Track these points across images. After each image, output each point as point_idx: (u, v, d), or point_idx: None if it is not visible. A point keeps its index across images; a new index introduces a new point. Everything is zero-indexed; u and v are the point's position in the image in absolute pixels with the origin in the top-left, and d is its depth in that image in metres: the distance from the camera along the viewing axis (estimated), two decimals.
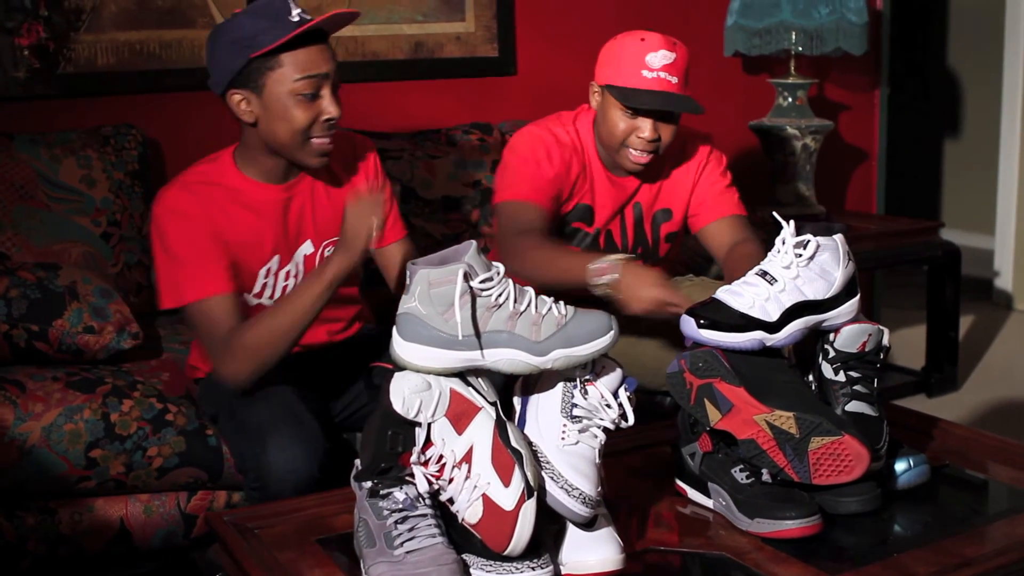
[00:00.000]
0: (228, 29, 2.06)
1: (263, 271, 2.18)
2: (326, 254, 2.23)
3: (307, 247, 2.22)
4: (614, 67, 2.33)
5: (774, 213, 2.01)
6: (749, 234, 2.42)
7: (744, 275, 1.84)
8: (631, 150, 2.34)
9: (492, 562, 1.53)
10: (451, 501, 1.56)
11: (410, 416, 1.56)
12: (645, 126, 2.31)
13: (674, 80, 2.28)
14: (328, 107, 2.07)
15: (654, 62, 2.27)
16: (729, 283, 1.86)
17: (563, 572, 1.58)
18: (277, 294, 2.20)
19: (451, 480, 1.55)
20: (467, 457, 1.55)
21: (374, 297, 2.48)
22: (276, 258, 2.19)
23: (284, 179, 2.18)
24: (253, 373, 2.05)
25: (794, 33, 3.67)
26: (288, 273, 2.21)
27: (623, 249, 2.50)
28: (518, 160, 2.39)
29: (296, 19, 2.02)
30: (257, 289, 2.20)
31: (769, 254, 1.84)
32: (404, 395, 1.56)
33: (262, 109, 2.07)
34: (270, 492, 2.00)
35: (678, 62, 2.29)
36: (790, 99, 3.79)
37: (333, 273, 2.03)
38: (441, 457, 1.56)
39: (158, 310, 2.16)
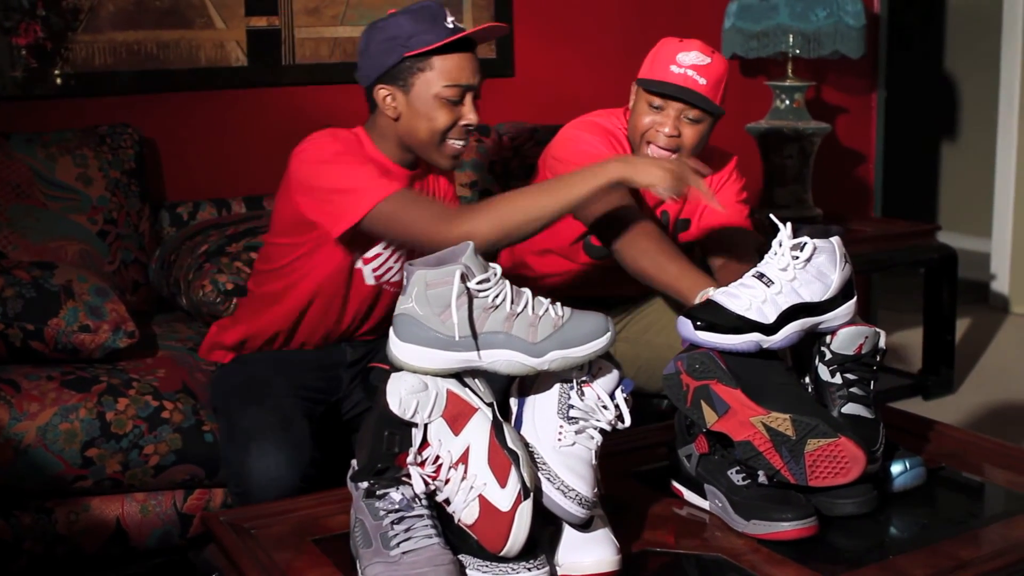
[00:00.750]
0: (387, 26, 2.11)
1: (383, 243, 2.19)
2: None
3: None
4: (649, 62, 2.39)
5: (771, 215, 2.01)
6: (748, 250, 2.41)
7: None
8: (652, 146, 2.35)
9: (488, 563, 1.53)
10: (447, 502, 1.56)
11: (407, 417, 1.56)
12: (666, 120, 2.33)
13: (701, 81, 2.31)
14: (469, 113, 2.13)
15: (684, 60, 2.32)
16: None
17: (559, 573, 1.58)
18: (382, 271, 2.22)
19: (447, 481, 1.55)
20: (463, 458, 1.55)
21: None
22: None
23: (411, 167, 2.22)
24: (493, 234, 1.99)
25: (791, 36, 3.68)
26: (396, 255, 2.21)
27: None
28: (586, 140, 2.41)
29: (451, 26, 2.09)
30: (372, 253, 2.20)
31: (766, 256, 1.84)
32: (401, 396, 1.56)
33: (407, 106, 2.12)
34: (251, 499, 2.00)
35: (711, 68, 2.32)
36: (787, 102, 3.80)
37: (608, 177, 2.00)
38: (438, 458, 1.56)
39: (333, 234, 2.08)
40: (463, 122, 2.14)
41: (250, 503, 1.98)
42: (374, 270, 2.21)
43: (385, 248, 2.20)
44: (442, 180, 2.33)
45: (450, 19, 2.10)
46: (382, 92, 2.13)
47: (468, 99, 2.14)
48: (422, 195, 2.15)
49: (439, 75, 2.09)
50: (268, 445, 2.01)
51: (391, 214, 2.03)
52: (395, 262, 2.23)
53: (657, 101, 2.34)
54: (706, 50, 2.33)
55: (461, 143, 2.16)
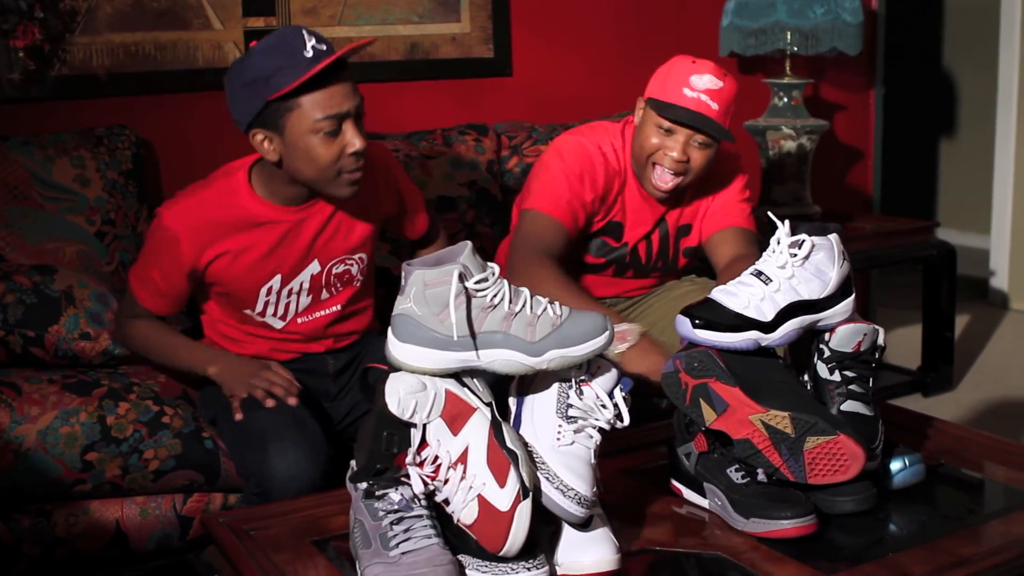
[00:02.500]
0: (244, 69, 2.00)
1: (264, 290, 2.20)
2: (334, 271, 2.24)
3: (314, 267, 2.22)
4: (660, 82, 2.33)
5: (769, 213, 2.01)
6: (750, 250, 2.40)
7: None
8: (657, 168, 2.33)
9: (488, 563, 1.53)
10: (447, 502, 1.56)
11: (405, 417, 1.56)
12: (675, 145, 2.30)
13: (714, 107, 2.27)
14: (352, 140, 2.03)
15: (698, 84, 2.27)
16: None
17: (559, 572, 1.58)
18: (280, 312, 2.22)
19: (447, 481, 1.55)
20: (463, 458, 1.55)
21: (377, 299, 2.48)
22: (278, 278, 2.19)
23: (302, 202, 2.16)
24: (123, 347, 2.36)
25: (789, 33, 3.67)
26: (291, 291, 2.21)
27: (645, 264, 2.50)
28: (561, 170, 2.37)
29: (311, 54, 1.95)
30: (259, 308, 2.21)
31: (764, 254, 1.84)
32: (400, 396, 1.56)
33: (285, 148, 2.03)
34: (272, 498, 2.00)
35: (723, 92, 2.28)
36: (785, 99, 3.79)
37: (204, 370, 2.22)
38: (437, 458, 1.56)
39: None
40: (349, 151, 2.03)
41: (271, 502, 1.98)
42: (273, 314, 2.24)
43: (268, 295, 2.21)
44: (366, 183, 2.18)
45: (310, 44, 1.95)
46: (258, 137, 2.04)
47: (347, 126, 2.02)
48: (137, 308, 2.26)
49: (309, 110, 1.98)
50: (287, 443, 2.02)
51: (126, 290, 2.29)
52: (288, 297, 2.23)
53: (667, 124, 2.30)
54: (719, 73, 2.29)
55: (356, 172, 2.06)
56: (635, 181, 2.42)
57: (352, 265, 2.27)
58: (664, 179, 2.33)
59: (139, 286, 2.23)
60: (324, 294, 2.24)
